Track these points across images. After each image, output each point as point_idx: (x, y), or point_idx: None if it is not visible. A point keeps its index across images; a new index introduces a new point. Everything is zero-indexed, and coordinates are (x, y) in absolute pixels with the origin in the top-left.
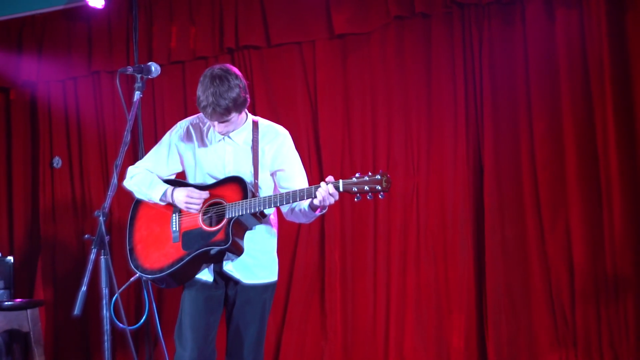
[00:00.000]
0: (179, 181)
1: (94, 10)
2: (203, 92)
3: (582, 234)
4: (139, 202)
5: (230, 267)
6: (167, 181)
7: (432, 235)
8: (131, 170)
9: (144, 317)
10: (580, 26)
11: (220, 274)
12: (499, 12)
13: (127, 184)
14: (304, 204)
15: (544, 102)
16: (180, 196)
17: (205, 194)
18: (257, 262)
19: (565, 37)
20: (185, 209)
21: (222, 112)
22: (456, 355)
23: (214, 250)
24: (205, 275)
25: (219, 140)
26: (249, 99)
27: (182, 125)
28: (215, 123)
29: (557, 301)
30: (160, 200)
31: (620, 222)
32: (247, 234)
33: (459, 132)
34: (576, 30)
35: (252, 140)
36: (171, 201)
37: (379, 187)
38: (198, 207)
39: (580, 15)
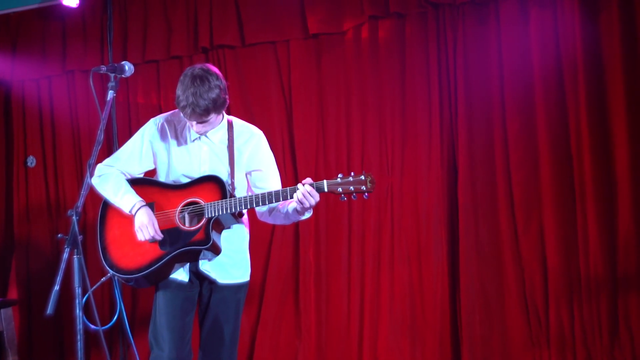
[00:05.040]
0: (151, 180)
1: (69, 9)
2: (183, 92)
3: (555, 234)
4: (108, 201)
5: (207, 267)
6: (138, 180)
7: (406, 235)
8: (101, 168)
9: (114, 318)
10: (554, 26)
11: (196, 274)
12: (473, 12)
13: (95, 182)
14: (290, 206)
15: (518, 102)
16: (143, 218)
17: (159, 237)
18: (232, 261)
19: (539, 37)
20: (135, 229)
21: (202, 113)
22: (430, 355)
23: (195, 250)
24: (181, 275)
25: (195, 140)
26: (228, 100)
27: (156, 122)
28: (194, 123)
29: (530, 301)
30: (129, 212)
31: (594, 223)
32: (222, 233)
33: (433, 132)
34: (550, 30)
35: (228, 140)
36: (134, 216)
37: (364, 188)
38: (144, 238)
39: (554, 16)
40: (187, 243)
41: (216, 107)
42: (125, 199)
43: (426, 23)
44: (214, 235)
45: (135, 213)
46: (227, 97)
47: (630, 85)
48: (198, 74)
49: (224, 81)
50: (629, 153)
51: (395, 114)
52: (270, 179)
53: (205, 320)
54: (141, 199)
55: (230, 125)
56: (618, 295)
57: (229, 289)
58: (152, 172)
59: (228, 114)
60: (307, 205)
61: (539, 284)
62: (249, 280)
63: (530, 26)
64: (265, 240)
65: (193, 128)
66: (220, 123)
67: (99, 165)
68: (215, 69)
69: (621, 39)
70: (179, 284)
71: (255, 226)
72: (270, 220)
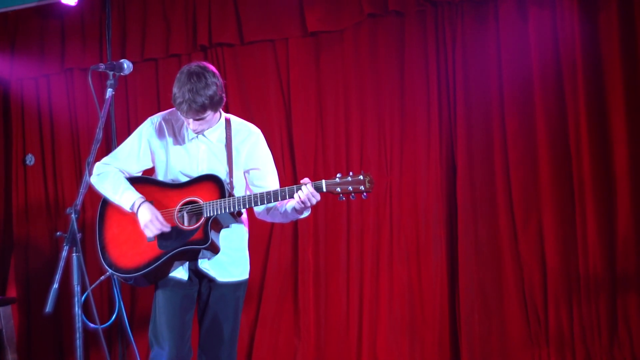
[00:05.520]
0: (150, 179)
1: (67, 7)
2: (179, 89)
3: (554, 233)
4: (107, 200)
5: (206, 265)
6: (137, 179)
7: (405, 234)
8: (99, 167)
9: (113, 316)
10: (553, 25)
11: (195, 272)
12: (472, 10)
13: (94, 180)
14: (288, 205)
15: (517, 101)
16: (146, 216)
17: (167, 228)
18: (231, 259)
19: (538, 36)
20: (141, 227)
21: (198, 109)
22: (429, 355)
23: (193, 249)
24: (180, 273)
25: (192, 139)
26: (225, 98)
27: (154, 120)
28: (190, 120)
29: (529, 300)
30: (130, 209)
31: (593, 222)
32: (221, 232)
33: (432, 131)
34: (549, 29)
35: (226, 138)
36: (136, 214)
37: (363, 188)
38: (152, 235)
39: (553, 15)
40: (186, 242)
41: (213, 104)
42: (125, 197)
43: (425, 21)
44: (212, 234)
45: (137, 211)
46: (224, 95)
47: (629, 84)
48: (195, 70)
49: (220, 79)
50: (628, 152)
51: (394, 112)
52: (268, 177)
53: (204, 319)
54: (141, 195)
55: (228, 123)
56: (617, 294)
57: (227, 287)
58: (151, 171)
59: (226, 112)
60: (309, 204)
61: (538, 282)
62: (248, 278)
63: (529, 25)
64: (264, 239)
65: (189, 126)
66: (218, 122)
67: (97, 164)
68: (212, 67)
69: (620, 39)
70: (179, 282)
71: (254, 225)
72: (268, 219)
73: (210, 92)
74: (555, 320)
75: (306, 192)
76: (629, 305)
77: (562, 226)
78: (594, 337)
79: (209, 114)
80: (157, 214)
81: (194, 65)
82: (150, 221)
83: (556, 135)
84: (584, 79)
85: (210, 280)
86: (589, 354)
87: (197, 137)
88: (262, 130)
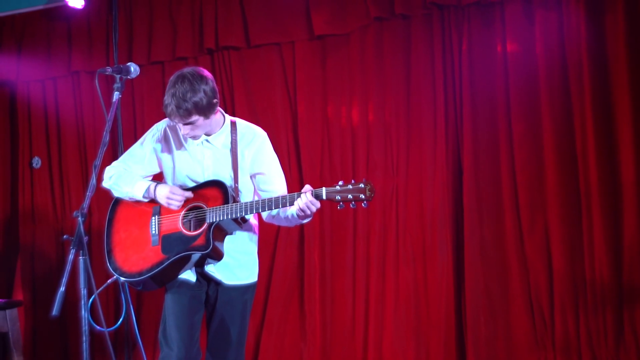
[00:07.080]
0: (158, 182)
1: (74, 10)
2: (167, 92)
3: (560, 235)
4: (117, 204)
5: (212, 268)
6: None
7: (411, 236)
8: (109, 170)
9: (120, 319)
10: (560, 28)
11: (202, 275)
12: (478, 13)
13: (106, 184)
14: (288, 212)
15: (523, 103)
16: (163, 191)
17: (188, 193)
18: (237, 263)
19: (544, 38)
20: (166, 205)
21: (182, 114)
22: (435, 357)
23: (194, 255)
24: (188, 275)
25: (197, 144)
26: (216, 103)
27: (159, 127)
28: (180, 125)
29: (535, 303)
30: (143, 197)
31: (599, 224)
32: (228, 236)
33: (438, 134)
34: (555, 32)
35: (231, 143)
36: (154, 197)
37: (363, 196)
38: (179, 204)
39: (559, 17)
40: (187, 248)
41: (199, 108)
42: (138, 186)
43: (431, 25)
44: (215, 240)
45: (155, 192)
46: (215, 100)
47: (635, 86)
48: (183, 74)
49: (211, 84)
50: (634, 155)
51: (400, 115)
52: (274, 182)
53: (212, 321)
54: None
55: (233, 127)
56: (623, 298)
57: (235, 290)
58: (160, 176)
59: (233, 114)
60: (309, 212)
61: (544, 285)
62: (257, 281)
63: (536, 28)
64: (270, 242)
65: (180, 131)
66: (222, 126)
67: (107, 168)
68: (204, 72)
69: (626, 41)
70: (187, 284)
71: (261, 228)
72: (274, 222)
73: (196, 97)
74: (562, 323)
75: (305, 200)
76: (635, 309)
77: (568, 229)
78: (600, 340)
79: (196, 118)
80: (173, 186)
81: (186, 69)
82: (170, 192)
83: (562, 137)
84: (591, 82)
85: (217, 283)
86: (595, 358)
87: (202, 142)
88: (268, 133)
